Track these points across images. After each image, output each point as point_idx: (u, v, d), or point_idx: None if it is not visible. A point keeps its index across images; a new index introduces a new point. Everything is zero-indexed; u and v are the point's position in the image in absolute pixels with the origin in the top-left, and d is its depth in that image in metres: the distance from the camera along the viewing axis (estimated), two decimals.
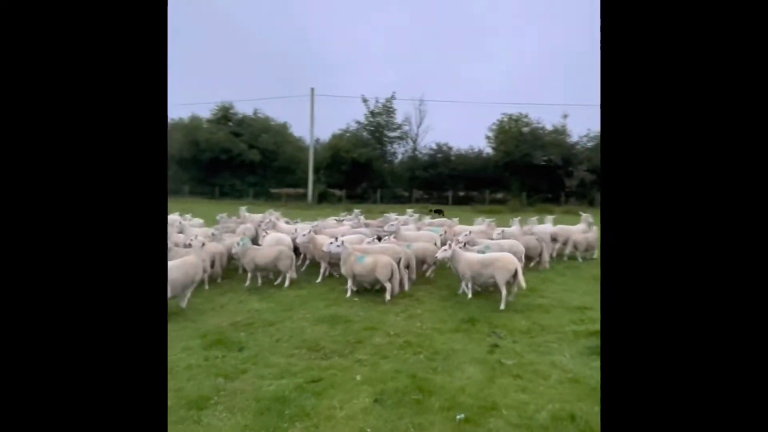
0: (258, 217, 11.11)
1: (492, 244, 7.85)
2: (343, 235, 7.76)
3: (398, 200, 31.14)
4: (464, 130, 62.85)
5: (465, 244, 7.46)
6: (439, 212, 20.06)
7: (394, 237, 8.19)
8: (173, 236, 8.26)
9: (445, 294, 6.94)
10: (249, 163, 33.47)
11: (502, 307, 6.03)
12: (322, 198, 31.02)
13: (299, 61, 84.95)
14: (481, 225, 10.54)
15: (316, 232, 8.05)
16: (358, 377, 3.98)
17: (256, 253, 7.21)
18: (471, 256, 6.59)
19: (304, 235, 7.54)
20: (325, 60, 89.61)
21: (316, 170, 32.40)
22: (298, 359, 4.41)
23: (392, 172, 34.91)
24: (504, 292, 6.10)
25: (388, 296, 6.37)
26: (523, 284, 6.12)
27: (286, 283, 7.26)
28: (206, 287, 7.12)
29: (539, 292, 7.07)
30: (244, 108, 39.01)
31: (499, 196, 31.69)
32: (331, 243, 6.91)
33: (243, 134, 34.15)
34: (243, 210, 12.63)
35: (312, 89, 31.63)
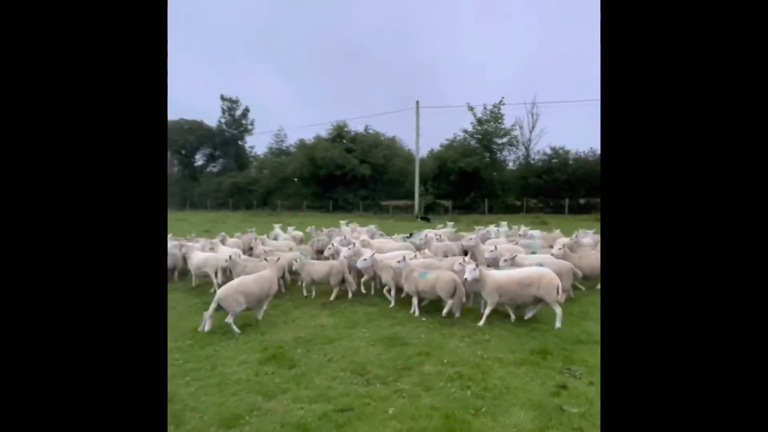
0: (347, 229, 11.42)
1: (542, 259, 6.86)
2: (387, 251, 7.66)
3: (509, 210, 29.50)
4: (584, 132, 55.84)
5: (512, 260, 6.63)
6: (426, 219, 19.07)
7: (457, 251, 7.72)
8: (258, 247, 8.94)
9: (523, 318, 6.17)
10: (360, 177, 35.09)
11: (558, 325, 5.49)
12: (428, 209, 30.85)
13: (408, 76, 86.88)
14: (586, 236, 9.30)
15: (364, 246, 8.03)
16: (391, 410, 3.65)
17: (312, 267, 7.44)
18: (501, 275, 5.77)
19: (348, 248, 7.53)
20: (435, 69, 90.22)
21: (425, 182, 32.45)
22: (339, 383, 4.25)
23: (502, 181, 33.21)
24: (558, 311, 5.47)
25: (457, 314, 5.93)
26: (558, 305, 5.64)
27: (349, 296, 7.42)
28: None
29: None
30: (356, 125, 41.14)
31: None
32: (364, 259, 6.84)
33: (355, 150, 35.99)
34: (343, 223, 13.31)
35: (417, 102, 31.80)
